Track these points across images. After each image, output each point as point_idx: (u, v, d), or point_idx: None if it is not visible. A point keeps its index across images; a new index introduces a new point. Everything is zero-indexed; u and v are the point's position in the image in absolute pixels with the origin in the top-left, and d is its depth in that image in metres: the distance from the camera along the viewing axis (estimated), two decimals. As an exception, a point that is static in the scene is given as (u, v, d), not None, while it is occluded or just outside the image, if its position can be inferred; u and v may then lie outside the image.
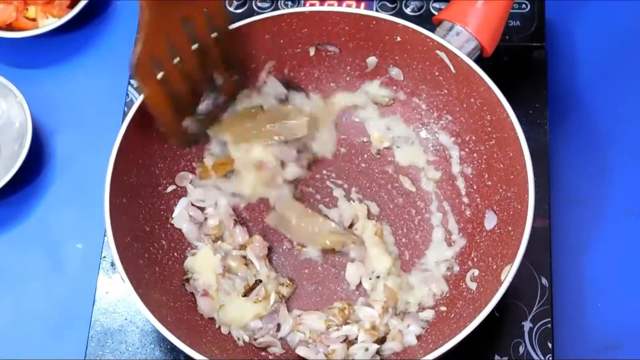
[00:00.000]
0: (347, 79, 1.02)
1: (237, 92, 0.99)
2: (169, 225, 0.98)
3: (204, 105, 0.96)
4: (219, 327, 0.94)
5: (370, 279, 0.95)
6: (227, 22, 0.95)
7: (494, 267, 0.90)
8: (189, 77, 0.93)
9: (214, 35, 0.93)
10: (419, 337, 0.92)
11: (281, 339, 0.94)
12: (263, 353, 0.93)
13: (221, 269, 0.95)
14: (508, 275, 0.84)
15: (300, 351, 0.92)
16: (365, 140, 1.03)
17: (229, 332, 0.94)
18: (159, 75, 0.90)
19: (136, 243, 0.92)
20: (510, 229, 0.90)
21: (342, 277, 0.97)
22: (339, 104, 1.03)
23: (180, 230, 0.98)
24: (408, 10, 1.09)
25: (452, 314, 0.92)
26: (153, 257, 0.94)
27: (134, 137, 0.93)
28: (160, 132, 0.94)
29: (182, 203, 0.99)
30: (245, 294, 0.94)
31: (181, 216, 0.98)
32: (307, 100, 1.02)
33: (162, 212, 0.98)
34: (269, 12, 1.06)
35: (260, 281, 0.95)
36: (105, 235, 0.97)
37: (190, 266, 0.96)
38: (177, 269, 0.96)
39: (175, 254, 0.97)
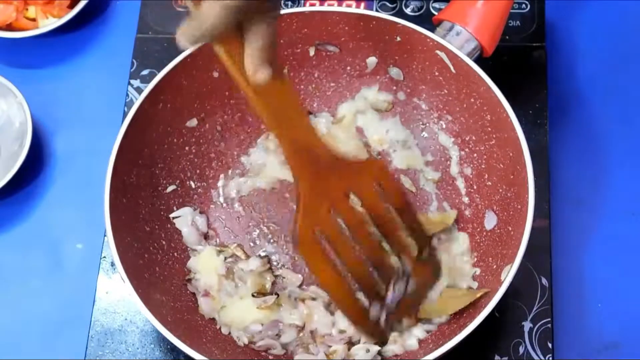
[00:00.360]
0: (347, 79, 1.02)
1: (432, 275, 0.92)
2: (169, 226, 0.98)
3: (391, 292, 0.88)
4: (220, 327, 0.94)
5: None
6: (404, 201, 0.89)
7: (494, 267, 0.90)
8: (365, 257, 0.87)
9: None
10: (420, 340, 0.92)
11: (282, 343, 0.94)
12: (263, 353, 0.93)
13: (224, 271, 0.95)
14: (508, 275, 0.84)
15: (300, 356, 0.92)
16: (364, 141, 1.03)
17: (229, 333, 0.94)
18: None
19: (136, 243, 0.92)
20: (510, 229, 0.90)
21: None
22: (347, 116, 1.02)
23: (180, 230, 0.98)
24: (408, 10, 1.09)
25: (452, 314, 0.92)
26: (153, 257, 0.94)
27: (134, 138, 0.93)
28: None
29: (187, 211, 0.99)
30: (256, 295, 0.94)
31: (182, 221, 0.98)
32: (315, 119, 1.02)
33: (162, 213, 0.98)
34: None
35: (277, 295, 0.93)
36: (105, 235, 0.97)
37: (193, 266, 0.96)
38: (177, 269, 0.96)
39: (176, 254, 0.97)
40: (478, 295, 0.88)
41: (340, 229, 0.86)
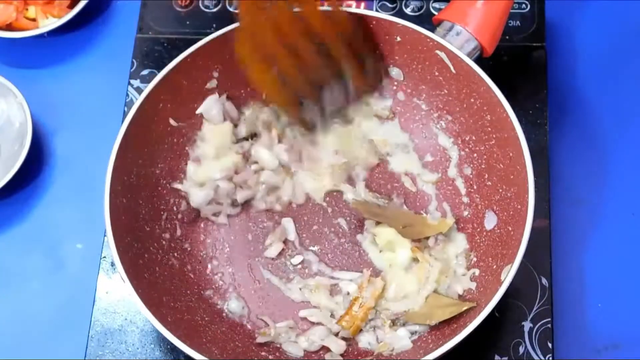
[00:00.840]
0: (347, 79, 1.03)
1: (368, 88, 0.97)
2: (169, 225, 0.98)
3: (327, 93, 0.94)
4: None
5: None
6: (347, 24, 0.93)
7: (494, 267, 0.90)
8: (306, 63, 0.90)
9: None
10: (416, 340, 0.92)
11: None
12: (263, 353, 0.93)
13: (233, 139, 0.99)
14: (508, 275, 0.85)
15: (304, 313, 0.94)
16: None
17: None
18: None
19: (136, 243, 0.93)
20: (510, 228, 0.90)
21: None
22: (356, 120, 1.02)
23: (180, 231, 0.98)
24: (408, 10, 1.09)
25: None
26: (153, 257, 0.94)
27: (134, 137, 0.93)
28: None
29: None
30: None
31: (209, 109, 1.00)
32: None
33: (162, 213, 0.98)
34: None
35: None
36: (105, 235, 0.97)
37: (201, 135, 0.99)
38: (177, 269, 0.96)
39: (176, 254, 0.97)
40: (464, 309, 0.88)
41: (279, 31, 0.88)
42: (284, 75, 0.91)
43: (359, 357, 0.92)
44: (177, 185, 0.99)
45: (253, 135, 1.01)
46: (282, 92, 0.92)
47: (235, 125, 1.01)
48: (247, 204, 1.01)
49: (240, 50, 0.90)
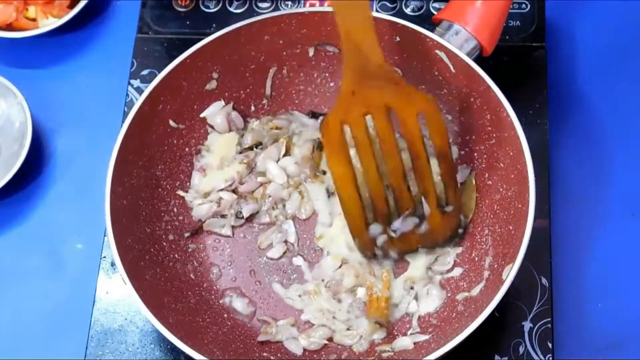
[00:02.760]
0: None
1: (440, 237, 0.93)
2: (169, 227, 0.98)
3: (399, 222, 0.90)
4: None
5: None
6: (445, 142, 0.88)
7: (495, 266, 0.90)
8: (389, 178, 0.88)
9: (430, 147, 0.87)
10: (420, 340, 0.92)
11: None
12: (265, 354, 0.93)
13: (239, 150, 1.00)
14: (510, 274, 0.85)
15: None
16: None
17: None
18: (351, 152, 0.86)
19: (137, 245, 0.93)
20: (511, 228, 0.90)
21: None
22: None
23: (181, 232, 0.98)
24: (408, 10, 1.09)
25: (454, 314, 0.92)
26: (154, 259, 0.94)
27: (134, 139, 0.93)
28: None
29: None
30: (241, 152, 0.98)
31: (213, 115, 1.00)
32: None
33: (162, 214, 0.98)
34: (269, 12, 1.07)
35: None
36: (105, 235, 0.97)
37: (207, 145, 0.99)
38: (177, 270, 0.96)
39: (176, 255, 0.97)
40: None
41: (369, 138, 0.85)
42: (365, 175, 0.88)
43: (360, 357, 0.92)
44: (181, 193, 0.99)
45: (258, 144, 1.01)
46: (355, 191, 0.89)
47: (241, 135, 1.01)
48: (250, 216, 1.00)
49: (327, 133, 0.87)
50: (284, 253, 0.98)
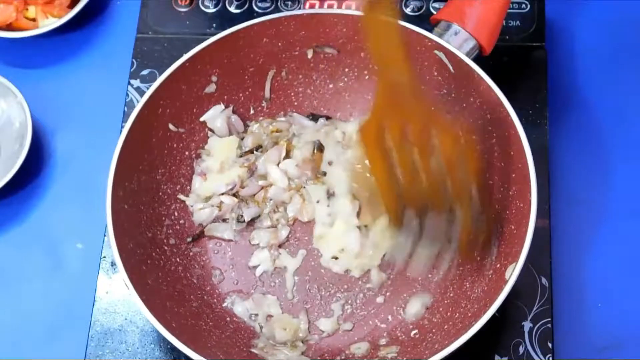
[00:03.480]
0: (345, 80, 1.02)
1: (468, 252, 0.91)
2: (170, 231, 0.98)
3: (431, 219, 0.89)
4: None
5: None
6: (478, 179, 0.87)
7: (498, 266, 0.90)
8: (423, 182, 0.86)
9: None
10: (422, 340, 0.92)
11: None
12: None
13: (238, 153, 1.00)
14: (513, 274, 0.84)
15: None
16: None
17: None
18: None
19: (139, 249, 0.93)
20: (512, 227, 0.90)
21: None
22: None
23: (182, 236, 0.98)
24: (408, 10, 1.09)
25: (457, 314, 0.92)
26: (156, 263, 0.94)
27: (134, 144, 0.93)
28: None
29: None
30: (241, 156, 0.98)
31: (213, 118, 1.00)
32: (332, 125, 1.02)
33: (163, 218, 0.98)
34: (269, 12, 1.07)
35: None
36: (105, 235, 0.97)
37: (207, 149, 0.99)
38: (179, 274, 0.96)
39: (178, 259, 0.97)
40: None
41: (407, 145, 0.85)
42: (401, 169, 0.87)
43: (364, 359, 0.93)
44: (182, 197, 0.99)
45: (258, 147, 1.01)
46: (391, 181, 0.87)
47: (242, 138, 1.01)
48: (252, 220, 1.00)
49: (365, 131, 0.86)
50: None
